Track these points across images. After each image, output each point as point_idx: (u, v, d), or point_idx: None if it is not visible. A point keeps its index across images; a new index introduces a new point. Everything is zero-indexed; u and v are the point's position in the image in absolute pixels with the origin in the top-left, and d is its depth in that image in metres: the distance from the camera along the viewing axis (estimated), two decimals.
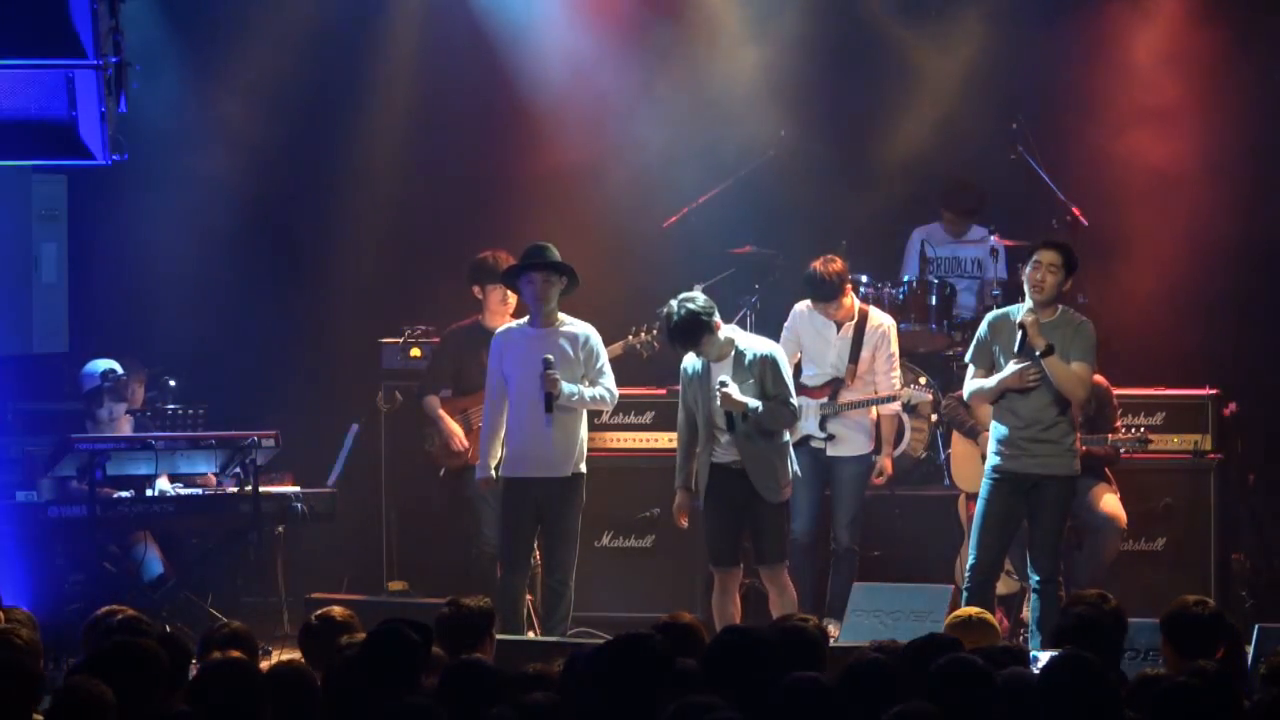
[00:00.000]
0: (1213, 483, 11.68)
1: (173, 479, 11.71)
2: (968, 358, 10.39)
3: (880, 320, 11.43)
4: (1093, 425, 10.83)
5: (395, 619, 6.75)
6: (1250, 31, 12.87)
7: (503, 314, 11.25)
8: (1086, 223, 12.60)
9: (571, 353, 10.47)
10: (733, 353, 10.17)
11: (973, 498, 10.82)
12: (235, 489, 11.56)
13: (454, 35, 13.24)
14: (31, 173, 11.98)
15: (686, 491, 10.37)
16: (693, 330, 10.04)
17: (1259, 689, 6.76)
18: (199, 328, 13.25)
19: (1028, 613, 10.36)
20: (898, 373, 11.41)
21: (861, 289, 12.31)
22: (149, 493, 11.50)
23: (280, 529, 11.93)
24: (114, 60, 9.13)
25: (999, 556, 10.22)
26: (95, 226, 13.01)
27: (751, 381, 10.10)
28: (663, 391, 12.14)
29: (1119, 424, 11.18)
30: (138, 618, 7.53)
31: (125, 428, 11.65)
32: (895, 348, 11.39)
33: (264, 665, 6.81)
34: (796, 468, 10.47)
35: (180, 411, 12.18)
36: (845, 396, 11.20)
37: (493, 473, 10.60)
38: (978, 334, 10.31)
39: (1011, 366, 10.03)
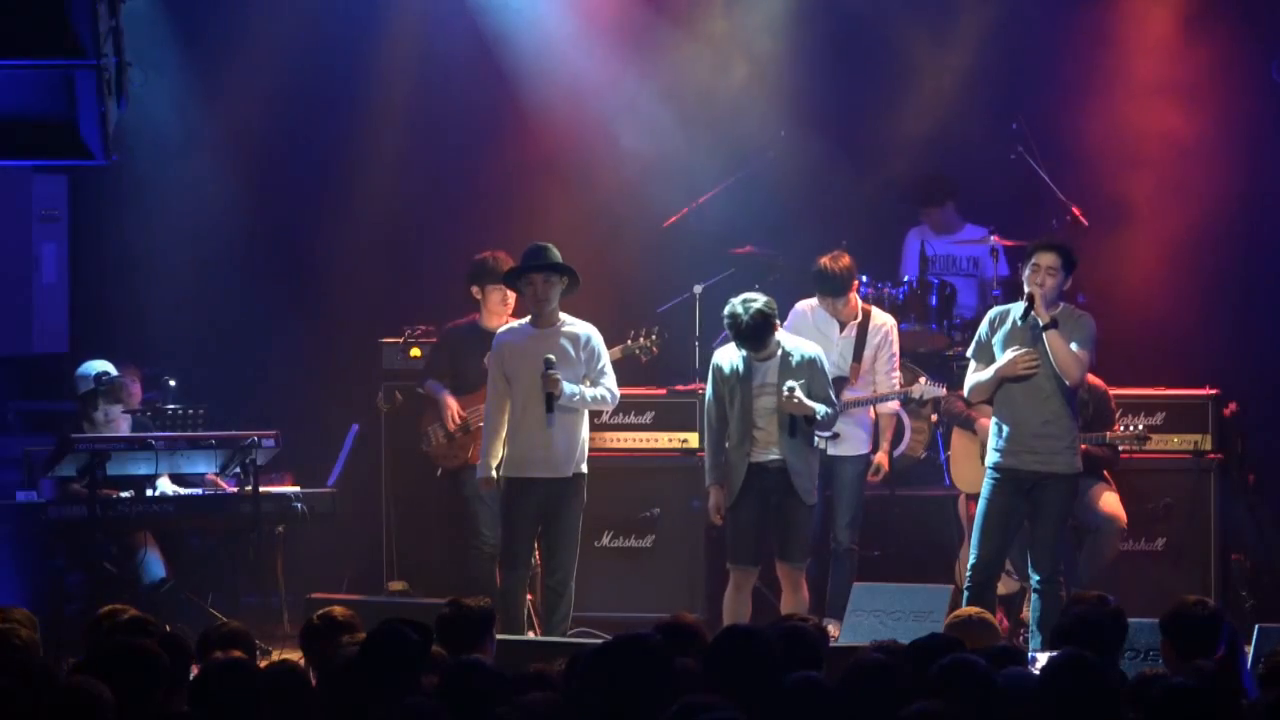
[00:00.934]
0: (1213, 483, 11.68)
1: (173, 479, 11.70)
2: (969, 354, 10.39)
3: (883, 320, 11.48)
4: (1091, 427, 10.83)
5: (395, 619, 6.75)
6: (1250, 31, 12.86)
7: (502, 314, 11.25)
8: (1086, 223, 12.60)
9: (573, 353, 10.47)
10: (779, 353, 10.19)
11: (973, 498, 10.82)
12: (235, 489, 11.55)
13: (454, 36, 13.24)
14: (31, 173, 11.99)
15: (721, 489, 10.35)
16: (764, 330, 10.09)
17: (1259, 689, 6.76)
18: (199, 328, 13.25)
19: (1028, 613, 10.35)
20: (898, 373, 11.44)
21: (861, 289, 12.32)
22: (149, 493, 11.50)
23: (280, 529, 11.92)
24: (114, 60, 9.12)
25: (999, 556, 10.22)
26: (95, 226, 13.02)
27: (802, 382, 10.12)
28: (662, 391, 12.16)
29: (1117, 426, 11.19)
30: (142, 618, 7.54)
31: (122, 428, 11.64)
32: (896, 348, 11.43)
33: (262, 665, 6.81)
34: None
35: (180, 411, 12.18)
36: (848, 395, 11.20)
37: (493, 473, 10.59)
38: (979, 331, 10.32)
39: (1009, 354, 10.03)
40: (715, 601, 11.02)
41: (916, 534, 12.06)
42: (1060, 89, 13.15)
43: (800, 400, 10.06)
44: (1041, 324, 9.96)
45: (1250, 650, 8.56)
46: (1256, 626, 8.92)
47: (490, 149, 13.51)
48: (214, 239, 13.32)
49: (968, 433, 11.37)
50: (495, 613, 7.83)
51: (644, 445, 12.10)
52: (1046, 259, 10.01)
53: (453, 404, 11.38)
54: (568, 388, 10.34)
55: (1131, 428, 11.27)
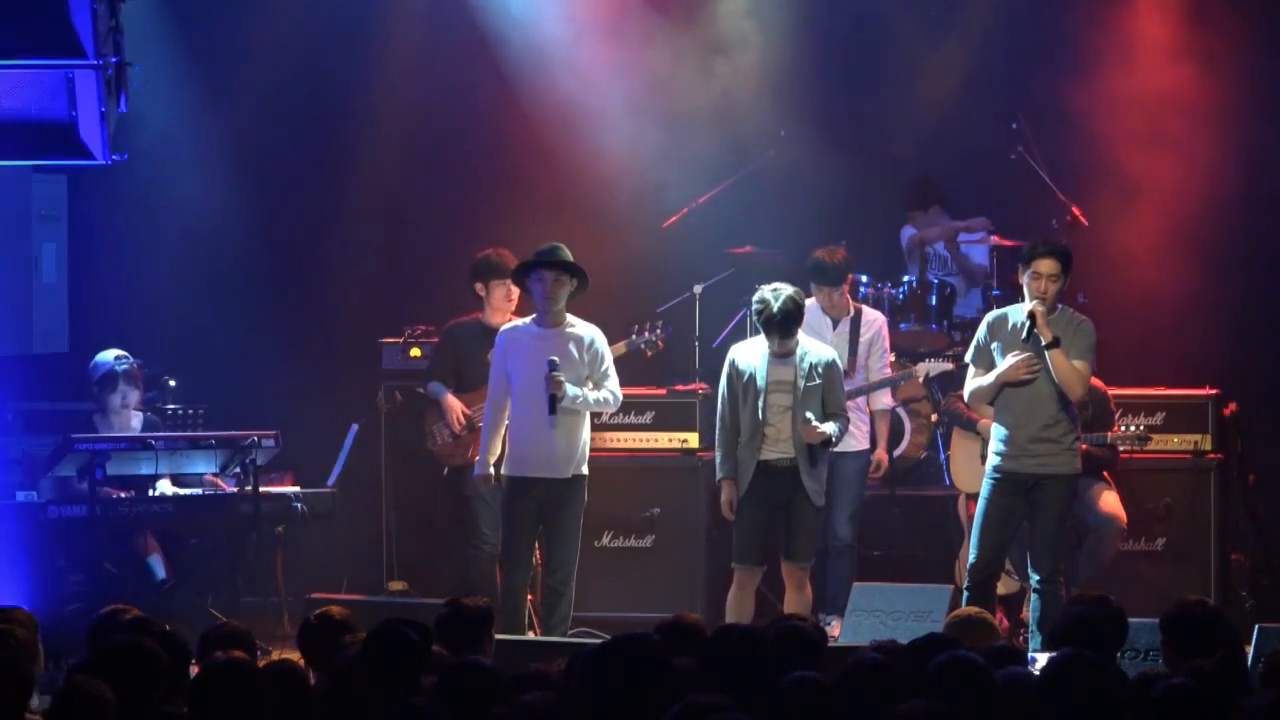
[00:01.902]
0: (1213, 483, 11.69)
1: (173, 480, 11.69)
2: (967, 358, 10.38)
3: (874, 315, 11.60)
4: (1091, 428, 10.83)
5: (394, 619, 6.75)
6: (1251, 29, 12.87)
7: (505, 311, 11.22)
8: (1086, 222, 12.60)
9: (576, 354, 10.46)
10: (797, 352, 10.19)
11: (973, 498, 10.82)
12: (235, 489, 11.55)
13: (454, 35, 13.24)
14: (31, 173, 11.98)
15: (734, 484, 10.33)
16: (793, 319, 10.08)
17: (1259, 689, 6.76)
18: (199, 328, 13.24)
19: (1028, 613, 10.35)
20: (889, 371, 11.49)
21: (862, 289, 12.34)
22: (150, 493, 11.50)
23: (280, 529, 11.92)
24: (114, 60, 9.12)
25: (999, 556, 10.22)
26: (95, 226, 13.01)
27: (818, 384, 10.12)
28: (662, 391, 12.15)
29: (1117, 427, 11.19)
30: (145, 618, 7.53)
31: (134, 421, 11.63)
32: (887, 343, 11.51)
33: (261, 665, 6.81)
34: None
35: (180, 411, 12.17)
36: (847, 386, 11.20)
37: (491, 470, 10.59)
38: (977, 335, 10.31)
39: (1010, 359, 10.03)
40: (715, 601, 11.02)
41: (916, 534, 12.06)
42: (1060, 88, 13.15)
43: (816, 429, 10.06)
44: (1045, 343, 9.96)
45: (1250, 650, 8.56)
46: (1256, 626, 8.92)
47: (490, 149, 13.52)
48: (214, 239, 13.32)
49: (968, 433, 11.38)
50: (495, 613, 7.83)
51: (644, 445, 12.10)
52: (1047, 266, 9.99)
53: (456, 405, 11.37)
54: (571, 390, 10.33)
55: (1131, 428, 11.27)
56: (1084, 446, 10.36)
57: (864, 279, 12.45)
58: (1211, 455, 11.72)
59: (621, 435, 12.09)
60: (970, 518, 10.70)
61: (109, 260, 13.28)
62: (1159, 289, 12.81)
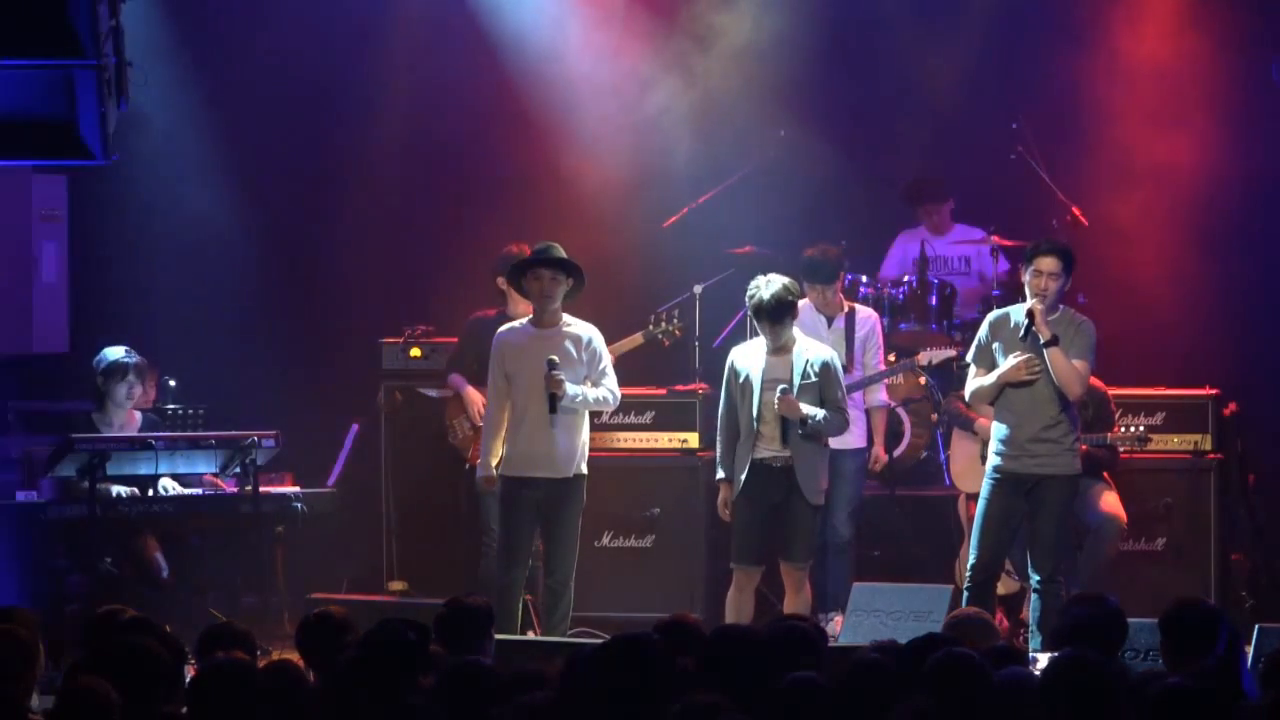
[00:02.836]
0: (1213, 483, 11.69)
1: (172, 479, 11.69)
2: (969, 358, 10.39)
3: (868, 312, 11.64)
4: (1091, 428, 10.83)
5: (392, 619, 6.75)
6: (1250, 31, 12.86)
7: (529, 307, 11.17)
8: (1086, 222, 12.61)
9: (574, 354, 10.46)
10: (794, 350, 10.19)
11: (973, 498, 10.83)
12: (235, 489, 11.55)
13: (454, 36, 13.24)
14: (31, 173, 11.99)
15: (731, 484, 10.33)
16: (785, 307, 10.08)
17: (1259, 689, 6.76)
18: (199, 328, 13.24)
19: (1028, 613, 10.35)
20: (884, 367, 11.50)
21: (861, 289, 12.34)
22: (150, 493, 11.50)
23: (280, 529, 11.92)
24: (114, 60, 9.12)
25: (1000, 556, 10.22)
26: (95, 226, 13.01)
27: (815, 382, 10.13)
28: (662, 391, 12.16)
29: (1117, 427, 11.19)
30: (143, 618, 7.53)
31: (135, 419, 11.62)
32: (881, 339, 11.55)
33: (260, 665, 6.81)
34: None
35: (180, 411, 12.17)
36: (847, 380, 11.19)
37: (493, 472, 10.59)
38: (978, 335, 10.31)
39: (1011, 360, 10.03)
40: (715, 601, 11.02)
41: (916, 534, 12.06)
42: (1060, 89, 13.15)
43: (791, 401, 10.05)
44: (1043, 340, 9.95)
45: (1250, 650, 8.56)
46: (1256, 626, 8.91)
47: (490, 149, 13.51)
48: (214, 239, 13.32)
49: (968, 433, 11.38)
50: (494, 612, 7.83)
51: (644, 445, 12.10)
52: (1048, 264, 9.99)
53: (477, 398, 11.36)
54: (570, 389, 10.34)
55: (1132, 428, 11.27)
56: (1084, 447, 10.36)
57: (864, 279, 12.45)
58: (1211, 455, 11.72)
59: (621, 435, 12.09)
60: (970, 518, 10.70)
61: (109, 260, 13.28)
62: (1159, 289, 12.81)
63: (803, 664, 6.37)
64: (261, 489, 11.43)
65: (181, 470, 11.54)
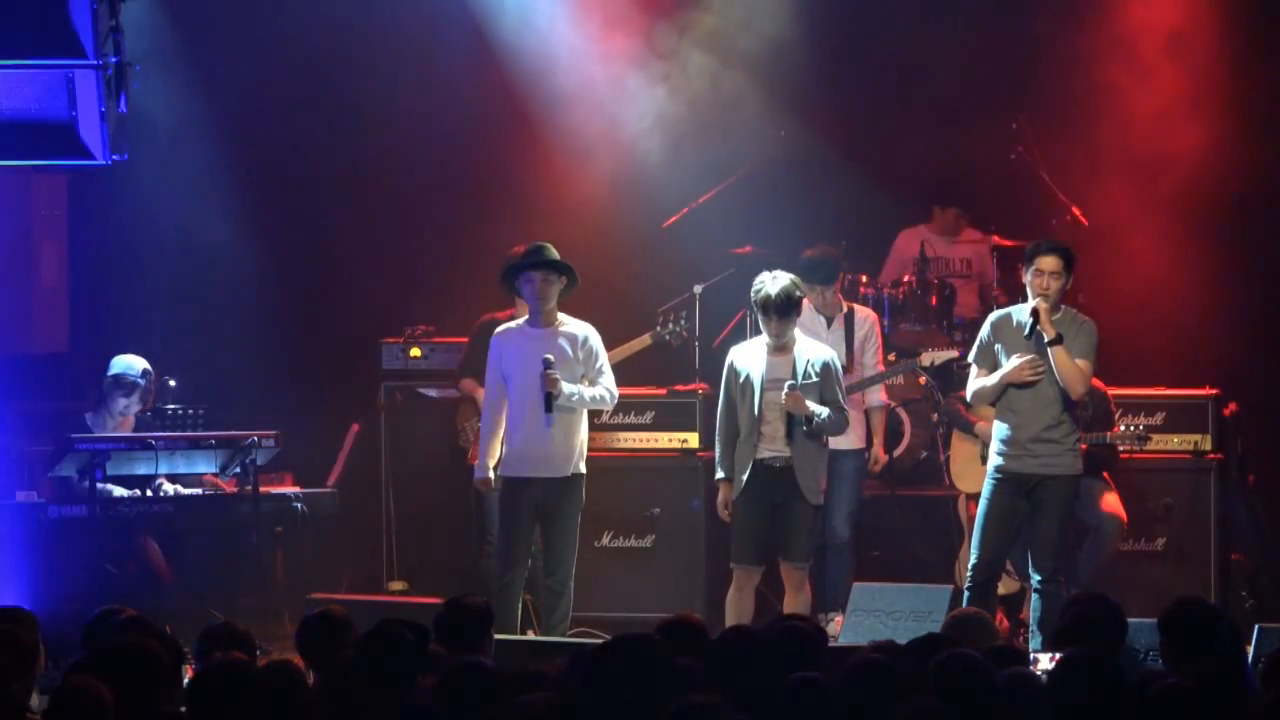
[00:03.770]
0: (1213, 483, 11.68)
1: (172, 479, 11.69)
2: (970, 358, 10.38)
3: (866, 311, 11.64)
4: (1091, 428, 10.83)
5: (391, 619, 6.75)
6: (1250, 31, 12.86)
7: None
8: (1087, 222, 12.60)
9: (571, 353, 10.46)
10: (794, 349, 10.20)
11: (973, 498, 10.83)
12: (235, 489, 11.55)
13: (454, 36, 13.23)
14: (31, 173, 11.99)
15: (731, 484, 10.32)
16: (792, 304, 10.10)
17: (1259, 689, 6.76)
18: (199, 328, 13.25)
19: (1028, 613, 10.35)
20: (882, 368, 11.51)
21: (861, 289, 12.33)
22: (150, 493, 11.50)
23: (280, 529, 11.92)
24: (114, 60, 9.13)
25: (1000, 556, 10.21)
26: (95, 226, 13.02)
27: (815, 381, 10.13)
28: (662, 391, 12.15)
29: (1117, 427, 11.19)
30: (140, 618, 7.53)
31: (128, 426, 11.64)
32: (880, 339, 11.57)
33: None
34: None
35: (180, 411, 12.17)
36: (848, 380, 11.20)
37: (491, 473, 10.59)
38: (980, 335, 10.31)
39: (1014, 360, 10.03)
40: (715, 601, 11.01)
41: (916, 534, 12.06)
42: (1060, 88, 13.15)
43: (799, 398, 10.06)
44: (1047, 339, 9.95)
45: (1250, 650, 8.56)
46: (1256, 626, 8.91)
47: (490, 149, 13.51)
48: (213, 239, 13.31)
49: (968, 436, 11.39)
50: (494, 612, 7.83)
51: (644, 445, 12.10)
52: (1049, 263, 9.99)
53: None
54: (567, 388, 10.34)
55: (1132, 428, 11.27)
56: (1084, 446, 10.36)
57: (864, 279, 12.44)
58: (1211, 455, 11.71)
59: (621, 435, 12.09)
60: (970, 518, 10.70)
61: (109, 261, 13.29)
62: (1159, 289, 12.81)
63: (802, 664, 6.37)
64: (261, 489, 11.43)
65: (181, 470, 11.54)
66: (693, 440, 12.00)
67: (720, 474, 10.35)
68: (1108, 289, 12.52)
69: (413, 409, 12.13)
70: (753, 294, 10.21)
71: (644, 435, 12.11)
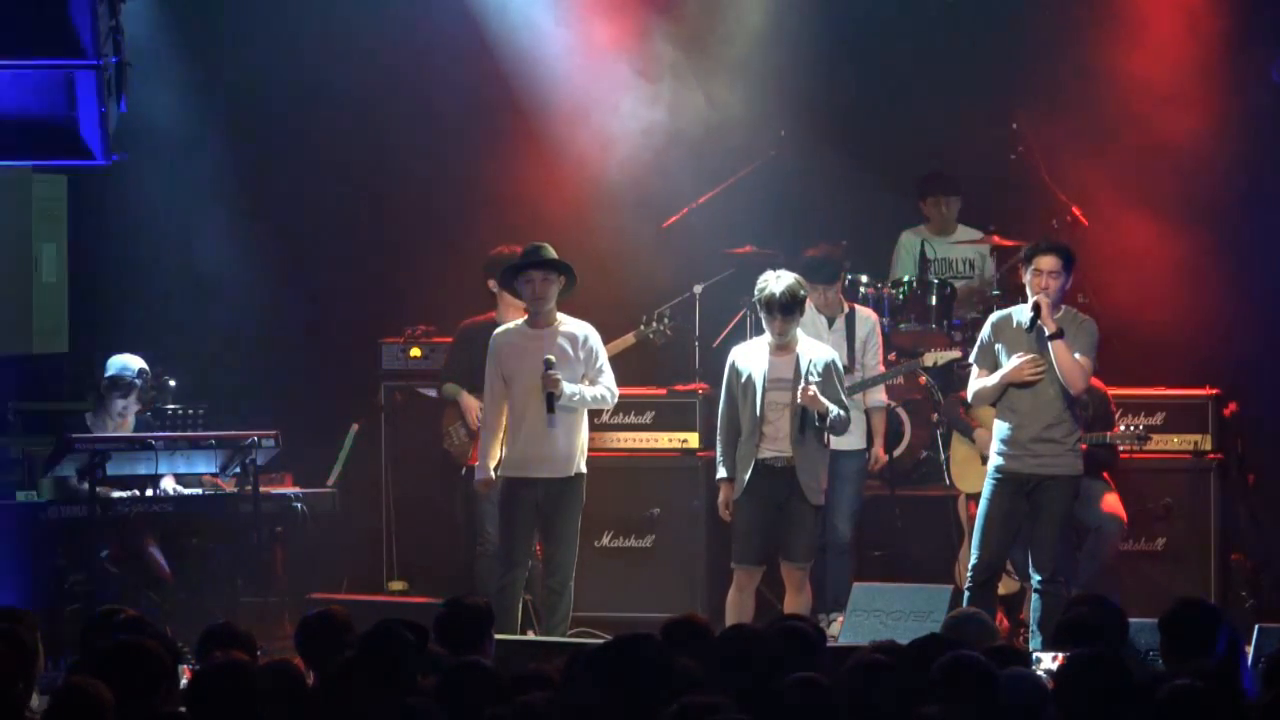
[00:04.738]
0: (1213, 483, 11.69)
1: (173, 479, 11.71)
2: (971, 358, 10.39)
3: (867, 312, 11.65)
4: (1091, 428, 10.83)
5: (391, 619, 6.75)
6: (1250, 30, 12.86)
7: (521, 309, 11.17)
8: (1086, 222, 12.60)
9: (571, 352, 10.46)
10: (796, 349, 10.19)
11: (973, 498, 10.83)
12: (235, 489, 11.55)
13: (453, 35, 13.23)
14: (31, 173, 11.98)
15: (732, 484, 10.32)
16: (796, 303, 10.12)
17: (1259, 689, 6.76)
18: (199, 328, 13.25)
19: (1028, 613, 10.35)
20: (882, 368, 11.52)
21: (861, 289, 12.33)
22: (150, 493, 11.50)
23: (280, 529, 11.92)
24: (114, 60, 9.13)
25: (1002, 556, 10.22)
26: (95, 226, 13.01)
27: (817, 382, 10.13)
28: (662, 391, 12.16)
29: (1117, 427, 11.19)
30: (140, 618, 7.53)
31: (127, 426, 11.64)
32: (880, 339, 11.56)
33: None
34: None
35: (180, 411, 12.17)
36: (849, 381, 11.19)
37: (491, 473, 10.59)
38: (981, 335, 10.32)
39: (1015, 360, 10.03)
40: (715, 601, 11.02)
41: (916, 534, 12.05)
42: (1060, 88, 13.14)
43: (816, 395, 10.06)
44: (1048, 333, 9.96)
45: (1250, 650, 8.56)
46: (1256, 626, 8.92)
47: (490, 149, 13.51)
48: (214, 239, 13.32)
49: (966, 439, 11.39)
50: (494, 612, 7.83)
51: (644, 445, 12.10)
52: (1048, 263, 10.00)
53: (474, 405, 11.33)
54: (568, 388, 10.34)
55: (1132, 428, 11.27)
56: (1084, 446, 10.36)
57: (864, 279, 12.43)
58: (1211, 455, 11.72)
59: (621, 435, 12.10)
60: (970, 518, 10.70)
61: (109, 260, 13.28)
62: (1159, 289, 12.79)
63: (803, 664, 6.37)
64: (261, 489, 11.43)
65: (181, 470, 11.54)
66: (693, 440, 12.00)
67: (722, 474, 10.34)
68: (1108, 289, 12.51)
69: (413, 409, 12.12)
70: (756, 293, 10.21)
71: (644, 435, 12.11)
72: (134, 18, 9.73)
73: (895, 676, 6.25)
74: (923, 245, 12.76)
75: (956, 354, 11.60)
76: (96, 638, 7.24)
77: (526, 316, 10.70)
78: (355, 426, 12.65)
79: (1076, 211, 12.62)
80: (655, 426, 12.10)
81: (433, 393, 11.90)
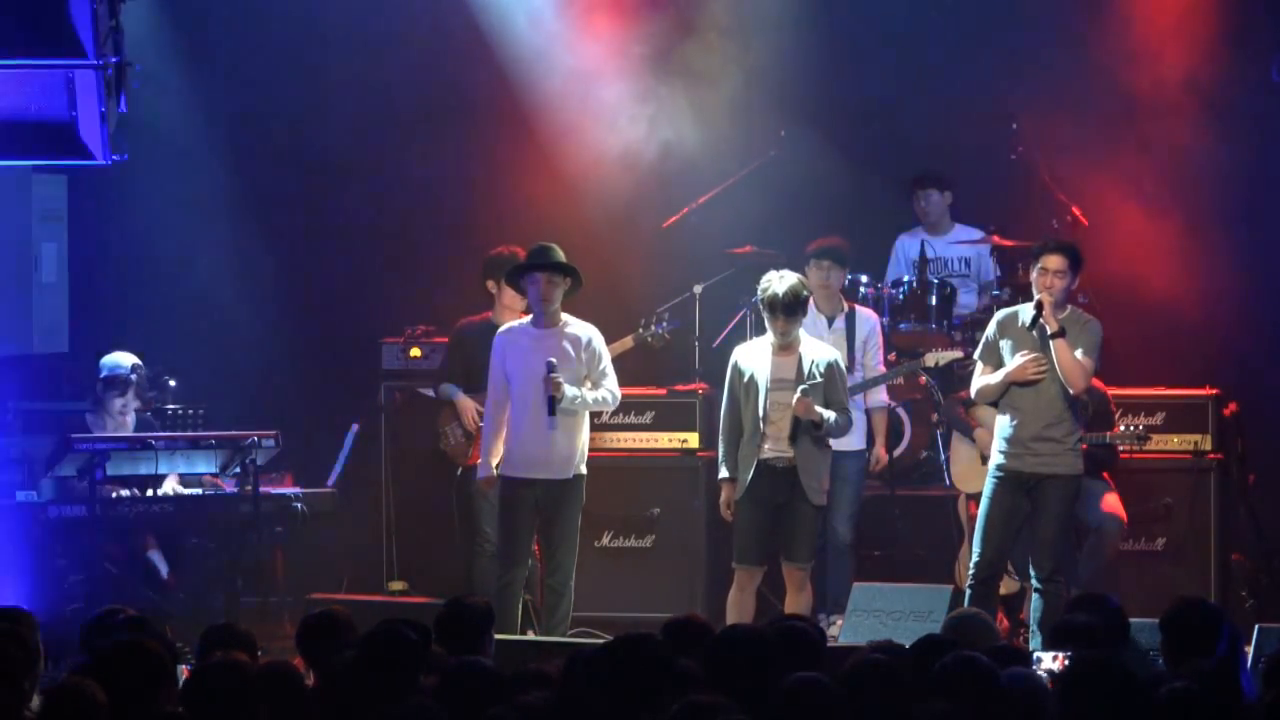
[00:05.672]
0: (1213, 483, 11.69)
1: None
2: (976, 355, 10.40)
3: (868, 312, 11.66)
4: (1091, 428, 10.82)
5: (392, 619, 6.75)
6: (1250, 30, 12.86)
7: (516, 310, 11.18)
8: (1087, 222, 12.60)
9: (574, 354, 10.47)
10: (798, 350, 10.19)
11: (973, 498, 10.83)
12: (235, 489, 11.55)
13: (454, 35, 13.23)
14: (31, 173, 11.98)
15: (734, 484, 10.32)
16: (799, 302, 10.12)
17: (1259, 689, 6.76)
18: (199, 328, 13.25)
19: (1028, 613, 10.36)
20: (883, 368, 11.51)
21: (861, 289, 12.33)
22: (150, 493, 11.50)
23: (280, 529, 11.92)
24: (114, 60, 9.13)
25: (1002, 556, 10.22)
26: (95, 226, 13.01)
27: (819, 383, 10.13)
28: (662, 391, 12.16)
29: (1117, 427, 11.20)
30: (140, 617, 7.53)
31: (128, 425, 11.64)
32: (881, 339, 11.56)
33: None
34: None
35: (180, 411, 12.17)
36: (852, 381, 11.19)
37: (494, 472, 10.59)
38: (986, 332, 10.33)
39: (1018, 358, 10.04)
40: (715, 601, 11.02)
41: (916, 534, 12.05)
42: (1060, 88, 13.14)
43: (810, 404, 10.05)
44: (1050, 332, 9.96)
45: (1250, 650, 8.56)
46: (1256, 626, 8.92)
47: (490, 149, 13.51)
48: (214, 239, 13.32)
49: (966, 439, 11.39)
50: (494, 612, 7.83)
51: (644, 445, 12.11)
52: (1054, 262, 10.01)
53: (470, 405, 11.35)
54: (570, 390, 10.34)
55: (1132, 428, 11.27)
56: (1084, 446, 10.36)
57: (864, 279, 12.43)
58: (1211, 455, 11.72)
59: (621, 435, 12.10)
60: (971, 518, 10.70)
61: (109, 260, 13.29)
62: (1159, 289, 12.80)
63: (803, 664, 6.37)
64: (261, 489, 11.43)
65: (181, 470, 11.54)
66: (693, 440, 12.00)
67: (723, 474, 10.34)
68: (1108, 289, 12.51)
69: (413, 409, 12.12)
70: (759, 293, 10.21)
71: (644, 435, 12.12)
72: (134, 18, 9.73)
73: (895, 676, 6.25)
74: (923, 245, 12.75)
75: (957, 354, 11.60)
76: (96, 638, 7.24)
77: (524, 316, 10.71)
78: (355, 426, 12.65)
79: (1076, 211, 12.62)
80: (655, 426, 12.10)
81: (433, 392, 11.91)
